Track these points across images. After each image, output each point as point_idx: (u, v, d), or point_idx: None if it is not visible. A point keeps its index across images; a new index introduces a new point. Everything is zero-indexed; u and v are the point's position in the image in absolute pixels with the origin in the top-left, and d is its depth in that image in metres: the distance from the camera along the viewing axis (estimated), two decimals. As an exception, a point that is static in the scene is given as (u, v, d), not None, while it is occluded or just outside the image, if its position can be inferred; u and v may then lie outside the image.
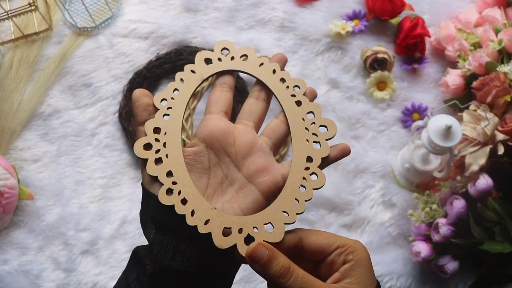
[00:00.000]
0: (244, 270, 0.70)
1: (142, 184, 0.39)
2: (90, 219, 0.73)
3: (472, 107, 0.67)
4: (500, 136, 0.64)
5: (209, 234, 0.35)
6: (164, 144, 0.37)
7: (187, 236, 0.36)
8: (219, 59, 0.41)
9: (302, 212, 0.37)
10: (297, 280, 0.33)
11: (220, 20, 0.83)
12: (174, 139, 0.38)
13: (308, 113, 0.41)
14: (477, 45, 0.73)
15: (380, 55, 0.77)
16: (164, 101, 0.39)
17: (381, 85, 0.78)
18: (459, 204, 0.64)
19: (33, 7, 0.76)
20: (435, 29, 0.81)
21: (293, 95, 0.41)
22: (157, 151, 0.37)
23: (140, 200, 0.75)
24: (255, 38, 0.81)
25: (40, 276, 0.70)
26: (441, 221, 0.65)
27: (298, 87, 0.42)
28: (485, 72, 0.69)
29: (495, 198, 0.64)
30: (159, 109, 0.38)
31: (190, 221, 0.35)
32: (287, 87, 0.41)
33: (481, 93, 0.67)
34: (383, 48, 0.78)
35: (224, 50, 0.42)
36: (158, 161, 0.37)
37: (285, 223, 0.36)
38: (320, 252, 0.36)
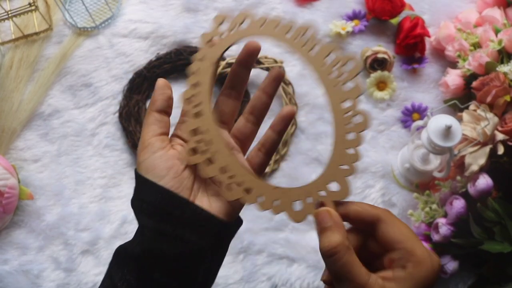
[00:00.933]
0: (244, 270, 0.70)
1: (136, 170, 0.38)
2: (90, 219, 0.73)
3: (472, 107, 0.67)
4: (500, 136, 0.64)
5: (208, 217, 0.35)
6: (207, 143, 0.37)
7: (184, 222, 0.36)
8: (221, 36, 0.40)
9: (359, 160, 0.36)
10: (337, 262, 0.33)
11: (220, 20, 0.83)
12: (214, 135, 0.37)
13: (325, 57, 0.39)
14: (477, 45, 0.73)
15: (380, 55, 0.77)
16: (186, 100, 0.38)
17: (381, 85, 0.78)
18: (459, 204, 0.64)
19: (33, 7, 0.76)
20: (435, 29, 0.81)
21: (303, 44, 0.40)
22: (203, 151, 0.37)
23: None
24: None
25: (40, 276, 0.70)
26: (441, 221, 0.65)
27: (303, 33, 0.40)
28: (485, 72, 0.69)
29: (495, 198, 0.64)
30: (187, 109, 0.38)
31: (261, 207, 0.35)
32: (294, 37, 0.40)
33: (481, 93, 0.67)
34: (383, 48, 0.78)
35: (223, 23, 0.41)
36: (208, 161, 0.36)
37: (347, 176, 0.36)
38: (388, 243, 0.35)
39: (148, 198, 0.36)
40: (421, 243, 0.34)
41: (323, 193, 0.36)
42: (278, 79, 0.42)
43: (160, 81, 0.39)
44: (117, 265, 0.38)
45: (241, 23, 0.40)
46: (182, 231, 0.36)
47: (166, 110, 0.39)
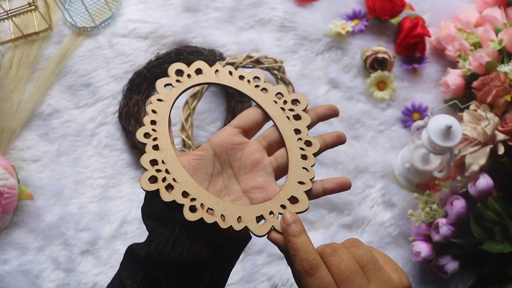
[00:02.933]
0: (244, 270, 0.70)
1: None
2: (90, 219, 0.73)
3: (472, 107, 0.67)
4: (500, 136, 0.64)
5: (215, 224, 0.37)
6: (167, 171, 0.39)
7: (188, 228, 0.37)
8: (178, 81, 0.44)
9: (313, 177, 0.41)
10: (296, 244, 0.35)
11: (220, 20, 0.83)
12: (174, 164, 0.40)
13: (276, 94, 0.45)
14: (477, 45, 0.73)
15: (380, 55, 0.77)
16: (147, 135, 0.41)
17: (381, 85, 0.78)
18: (459, 204, 0.64)
19: (32, 7, 0.76)
20: (435, 29, 0.81)
21: (257, 86, 0.45)
22: (164, 179, 0.39)
23: (140, 199, 0.75)
24: (255, 38, 0.81)
25: (40, 276, 0.70)
26: (441, 221, 0.65)
27: (258, 77, 0.46)
28: (485, 72, 0.69)
29: (495, 198, 0.64)
30: (146, 143, 0.41)
31: (223, 224, 0.37)
32: (248, 81, 0.46)
33: (481, 93, 0.67)
34: (383, 48, 0.78)
35: (178, 71, 0.45)
36: (169, 187, 0.39)
37: (304, 190, 0.40)
38: None
39: (157, 205, 0.38)
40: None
41: (283, 207, 0.39)
42: (333, 114, 0.45)
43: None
44: (126, 263, 0.39)
45: (195, 70, 0.45)
46: (187, 239, 0.37)
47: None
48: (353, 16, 0.83)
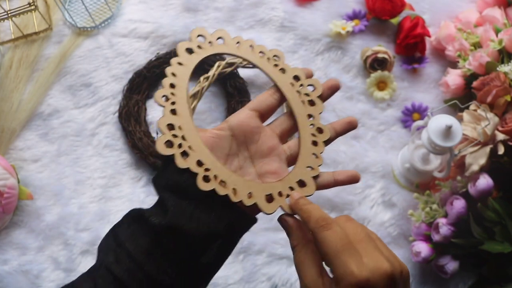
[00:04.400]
0: (244, 270, 0.70)
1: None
2: (90, 219, 0.73)
3: (472, 107, 0.67)
4: (500, 136, 0.64)
5: (226, 199, 0.38)
6: (183, 137, 0.39)
7: (204, 202, 0.38)
8: (199, 47, 0.44)
9: (321, 164, 0.42)
10: (294, 259, 0.37)
11: (220, 20, 0.83)
12: (190, 131, 0.40)
13: (294, 77, 0.45)
14: (477, 45, 0.73)
15: (380, 55, 0.77)
16: (165, 98, 0.41)
17: (381, 85, 0.78)
18: (459, 204, 0.64)
19: (32, 7, 0.76)
20: (435, 29, 0.81)
21: (276, 65, 0.45)
22: (179, 145, 0.39)
23: (140, 200, 0.75)
24: (255, 38, 0.81)
25: (40, 276, 0.70)
26: (441, 221, 0.65)
27: (277, 56, 0.45)
28: (485, 72, 0.69)
29: (495, 198, 0.64)
30: (164, 106, 0.40)
31: (234, 198, 0.38)
32: (268, 59, 0.45)
33: (481, 93, 0.67)
34: (383, 48, 0.78)
35: (200, 37, 0.44)
36: (184, 154, 0.38)
37: (312, 176, 0.41)
38: (323, 255, 0.36)
39: (176, 178, 0.38)
40: (351, 257, 0.33)
41: (291, 189, 0.40)
42: (334, 89, 0.46)
43: None
44: (128, 226, 0.40)
45: (217, 38, 0.45)
46: (203, 211, 0.38)
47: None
48: (353, 16, 0.83)
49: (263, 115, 0.44)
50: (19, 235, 0.72)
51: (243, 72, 0.78)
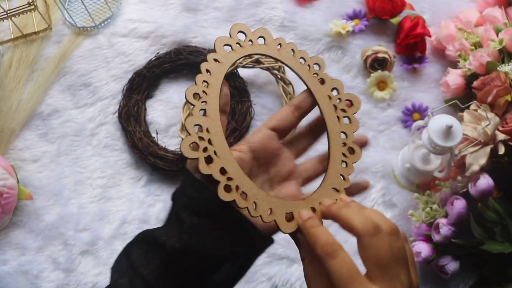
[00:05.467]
0: (244, 270, 0.70)
1: (186, 167, 0.39)
2: (90, 219, 0.72)
3: (472, 107, 0.67)
4: (501, 136, 0.64)
5: (244, 220, 0.36)
6: (209, 141, 0.36)
7: (228, 226, 0.37)
8: (239, 44, 0.41)
9: (348, 186, 0.40)
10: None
11: (220, 19, 0.83)
12: (218, 135, 0.37)
13: (332, 89, 0.42)
14: (477, 45, 0.72)
15: (380, 55, 0.77)
16: (197, 95, 0.38)
17: (381, 84, 0.78)
18: (459, 204, 0.64)
19: (32, 7, 0.76)
20: (435, 28, 0.81)
21: (315, 74, 0.42)
22: (205, 149, 0.36)
23: (140, 200, 0.75)
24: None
25: (39, 276, 0.70)
26: (442, 221, 0.65)
27: (318, 65, 0.43)
28: (486, 72, 0.69)
29: (495, 198, 0.64)
30: (194, 105, 0.37)
31: (254, 212, 0.36)
32: (308, 66, 0.42)
33: (481, 93, 0.67)
34: (383, 47, 0.78)
35: (240, 33, 0.41)
36: (208, 159, 0.36)
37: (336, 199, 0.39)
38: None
39: (196, 196, 0.37)
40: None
41: (313, 209, 0.38)
42: (362, 145, 0.44)
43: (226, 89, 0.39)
44: (139, 247, 0.39)
45: (258, 37, 0.42)
46: (224, 235, 0.37)
47: (224, 110, 0.40)
48: (353, 16, 0.83)
49: (283, 134, 0.42)
50: (18, 235, 0.72)
51: (242, 72, 0.78)
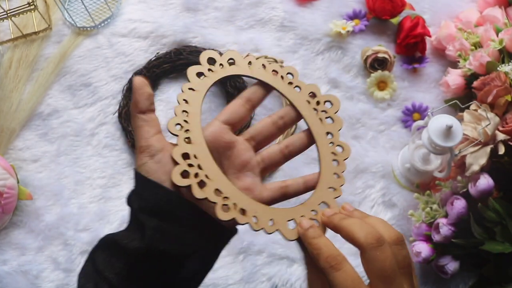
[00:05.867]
0: (244, 270, 0.70)
1: (136, 170, 0.39)
2: (90, 219, 0.72)
3: (472, 107, 0.67)
4: (501, 136, 0.64)
5: (208, 219, 0.37)
6: (199, 166, 0.37)
7: (188, 223, 0.37)
8: (210, 70, 0.42)
9: (344, 184, 0.41)
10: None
11: (220, 19, 0.83)
12: (206, 159, 0.38)
13: (309, 94, 0.44)
14: (477, 45, 0.72)
15: (380, 55, 0.77)
16: (178, 125, 0.39)
17: (381, 84, 0.78)
18: (459, 204, 0.64)
19: (32, 7, 0.76)
20: (435, 28, 0.81)
21: (290, 83, 0.44)
22: (196, 175, 0.37)
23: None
24: (255, 38, 0.81)
25: (39, 276, 0.70)
26: (442, 221, 0.65)
27: (291, 74, 0.44)
28: (486, 72, 0.69)
29: (495, 198, 0.64)
30: (177, 135, 0.38)
31: (255, 226, 0.37)
32: (282, 77, 0.44)
33: (481, 93, 0.67)
34: (383, 47, 0.78)
35: (210, 59, 0.43)
36: (201, 183, 0.37)
37: (335, 197, 0.40)
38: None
39: (152, 197, 0.37)
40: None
41: (314, 213, 0.39)
42: None
43: (137, 80, 0.39)
44: (103, 251, 0.39)
45: (228, 60, 0.43)
46: (186, 232, 0.37)
47: (150, 108, 0.39)
48: (353, 16, 0.83)
49: (234, 127, 0.42)
50: (18, 235, 0.72)
51: (243, 72, 0.78)
